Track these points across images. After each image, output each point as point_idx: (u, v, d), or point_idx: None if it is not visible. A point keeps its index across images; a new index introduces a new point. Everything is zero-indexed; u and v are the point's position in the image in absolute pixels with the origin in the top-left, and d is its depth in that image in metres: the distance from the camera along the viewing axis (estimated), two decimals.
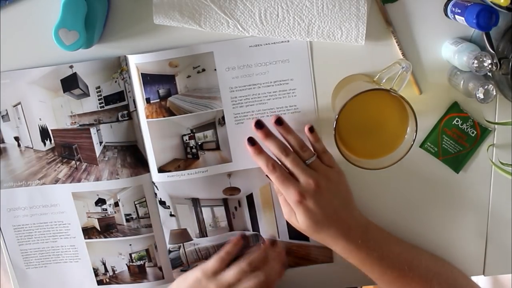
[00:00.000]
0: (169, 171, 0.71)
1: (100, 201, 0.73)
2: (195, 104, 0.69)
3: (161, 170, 0.71)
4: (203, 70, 0.68)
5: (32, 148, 0.72)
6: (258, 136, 0.68)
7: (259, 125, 0.68)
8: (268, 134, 0.68)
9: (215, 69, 0.68)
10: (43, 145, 0.71)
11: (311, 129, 0.68)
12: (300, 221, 0.66)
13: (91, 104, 0.69)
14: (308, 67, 0.69)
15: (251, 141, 0.69)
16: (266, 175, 0.67)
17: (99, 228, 0.74)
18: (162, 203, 0.73)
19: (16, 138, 0.71)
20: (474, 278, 0.75)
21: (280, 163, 0.67)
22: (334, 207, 0.66)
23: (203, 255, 0.75)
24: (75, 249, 0.75)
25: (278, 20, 0.65)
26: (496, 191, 0.74)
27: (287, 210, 0.67)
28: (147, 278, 0.76)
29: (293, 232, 0.74)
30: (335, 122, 0.61)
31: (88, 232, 0.74)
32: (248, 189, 0.73)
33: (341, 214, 0.66)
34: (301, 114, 0.70)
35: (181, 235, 0.74)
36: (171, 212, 0.73)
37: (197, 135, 0.70)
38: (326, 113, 0.70)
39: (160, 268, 0.76)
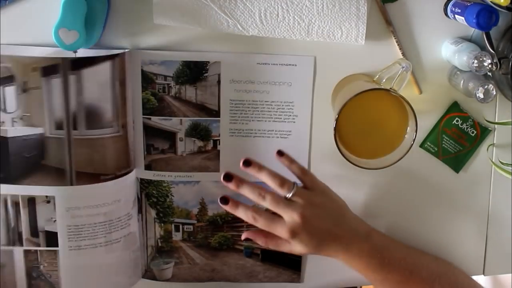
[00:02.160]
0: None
1: None
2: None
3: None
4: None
5: None
6: (230, 188, 0.65)
7: (228, 177, 0.65)
8: (239, 184, 0.65)
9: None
10: None
11: (280, 153, 0.66)
12: (301, 251, 0.65)
13: None
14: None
15: (223, 200, 0.66)
16: None
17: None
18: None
19: None
20: (474, 278, 0.75)
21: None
22: (327, 228, 0.65)
23: None
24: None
25: (278, 19, 0.65)
26: (496, 191, 0.74)
27: (283, 243, 0.66)
28: None
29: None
30: (335, 122, 0.61)
31: None
32: None
33: (336, 231, 0.65)
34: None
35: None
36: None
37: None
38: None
39: None
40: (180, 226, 0.74)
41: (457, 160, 0.73)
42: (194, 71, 0.68)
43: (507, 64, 0.63)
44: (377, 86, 0.62)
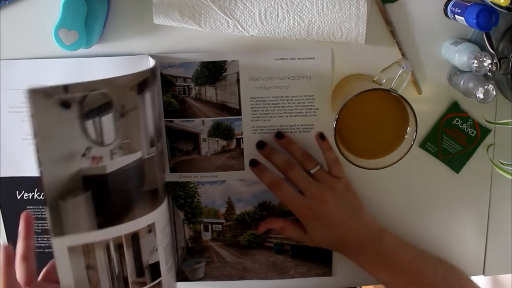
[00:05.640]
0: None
1: None
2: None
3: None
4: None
5: None
6: (261, 156, 0.69)
7: (261, 145, 0.69)
8: (270, 152, 0.68)
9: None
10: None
11: (322, 137, 0.69)
12: (312, 236, 0.66)
13: None
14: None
15: (253, 162, 0.69)
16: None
17: None
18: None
19: None
20: (474, 278, 0.75)
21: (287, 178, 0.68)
22: (342, 218, 0.66)
23: None
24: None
25: (278, 20, 0.65)
26: (496, 191, 0.74)
27: (297, 230, 0.68)
28: None
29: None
30: (335, 122, 0.61)
31: None
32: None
33: (350, 225, 0.66)
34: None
35: None
36: None
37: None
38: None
39: None
40: (209, 226, 0.74)
41: (457, 160, 0.73)
42: (212, 71, 0.68)
43: (507, 64, 0.63)
44: (377, 86, 0.62)
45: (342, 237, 0.66)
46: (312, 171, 0.67)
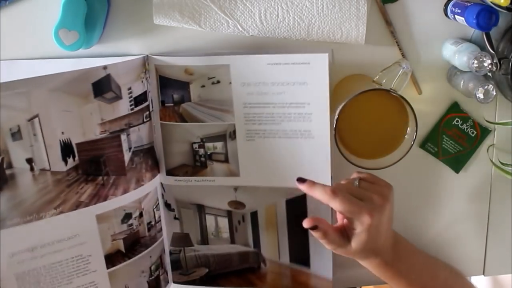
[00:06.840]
0: (177, 175, 0.70)
1: (126, 217, 0.65)
2: (206, 115, 0.68)
3: (169, 173, 0.70)
4: (218, 82, 0.67)
5: (49, 170, 0.59)
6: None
7: (301, 180, 0.62)
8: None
9: (230, 83, 0.66)
10: (63, 165, 0.60)
11: (302, 180, 0.62)
12: (355, 244, 0.61)
13: (123, 107, 0.63)
14: (327, 92, 0.65)
15: (301, 180, 0.62)
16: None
17: (124, 250, 0.66)
18: (167, 205, 0.72)
19: (29, 160, 0.58)
20: (474, 278, 0.75)
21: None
22: (388, 226, 0.63)
23: (202, 262, 0.75)
24: (95, 286, 0.65)
25: (278, 20, 0.65)
26: (496, 191, 0.74)
27: (340, 237, 0.62)
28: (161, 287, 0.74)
29: (295, 255, 0.73)
30: (335, 122, 0.61)
31: (112, 258, 0.65)
32: (253, 206, 0.72)
33: (388, 230, 0.64)
34: (315, 141, 0.66)
35: (183, 239, 0.74)
36: (175, 215, 0.73)
37: (207, 144, 0.69)
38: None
39: (166, 272, 0.75)
40: None
41: (457, 161, 0.73)
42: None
43: (507, 64, 0.63)
44: (377, 87, 0.62)
45: (379, 245, 0.62)
46: (356, 183, 0.63)
